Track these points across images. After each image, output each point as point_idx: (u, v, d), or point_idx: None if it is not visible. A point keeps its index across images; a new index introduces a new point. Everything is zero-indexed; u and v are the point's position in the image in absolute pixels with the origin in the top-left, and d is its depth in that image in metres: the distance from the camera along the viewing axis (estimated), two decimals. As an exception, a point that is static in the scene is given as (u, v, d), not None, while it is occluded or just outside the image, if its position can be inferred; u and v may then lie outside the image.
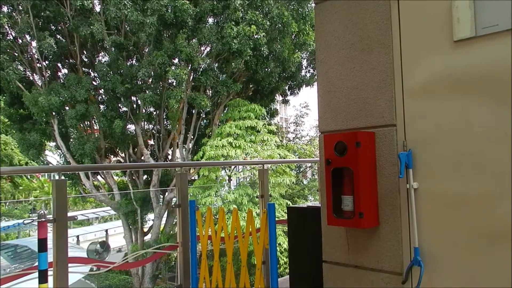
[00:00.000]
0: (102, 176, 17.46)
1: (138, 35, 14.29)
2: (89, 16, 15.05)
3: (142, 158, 16.60)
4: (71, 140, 15.78)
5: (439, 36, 1.86)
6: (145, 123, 17.39)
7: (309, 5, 16.05)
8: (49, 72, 16.61)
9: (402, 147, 1.98)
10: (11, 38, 15.79)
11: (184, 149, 17.63)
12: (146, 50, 15.82)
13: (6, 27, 15.25)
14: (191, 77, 16.20)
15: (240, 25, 14.28)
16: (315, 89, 2.47)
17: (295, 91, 19.79)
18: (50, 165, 15.97)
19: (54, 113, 15.58)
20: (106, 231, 29.07)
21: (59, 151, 17.51)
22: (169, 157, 18.21)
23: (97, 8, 15.48)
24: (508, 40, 1.66)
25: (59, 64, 17.13)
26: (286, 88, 19.55)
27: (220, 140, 15.03)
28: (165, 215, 17.70)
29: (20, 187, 30.19)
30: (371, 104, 2.11)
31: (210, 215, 3.21)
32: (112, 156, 18.31)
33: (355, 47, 2.19)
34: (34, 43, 15.41)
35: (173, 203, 16.44)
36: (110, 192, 17.36)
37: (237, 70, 15.80)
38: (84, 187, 17.34)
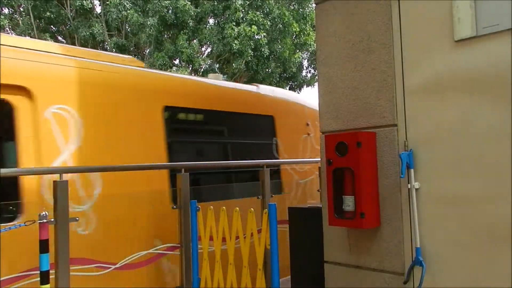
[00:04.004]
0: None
1: (139, 36, 14.30)
2: (89, 17, 15.07)
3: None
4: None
5: (440, 36, 1.86)
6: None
7: (310, 5, 16.05)
8: (50, 74, 16.63)
9: (403, 147, 1.97)
10: (12, 39, 15.81)
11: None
12: (147, 51, 15.84)
13: (7, 28, 15.27)
14: (192, 78, 16.19)
15: (240, 25, 14.29)
16: (316, 89, 2.47)
17: (296, 92, 19.80)
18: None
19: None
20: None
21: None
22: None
23: (98, 9, 15.51)
24: (508, 39, 1.66)
25: (60, 66, 17.15)
26: (287, 88, 19.56)
27: (221, 140, 14.99)
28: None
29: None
30: (372, 104, 2.11)
31: (211, 216, 3.20)
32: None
33: (356, 47, 2.18)
34: (35, 45, 15.42)
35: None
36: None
37: (238, 71, 15.79)
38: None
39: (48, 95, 3.23)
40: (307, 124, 5.60)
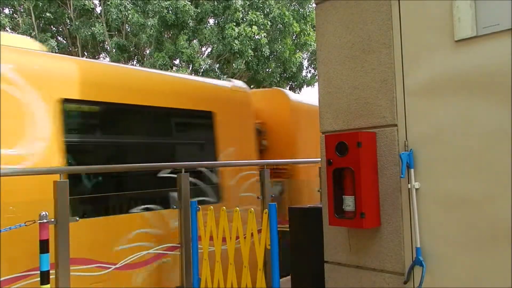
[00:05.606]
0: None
1: (139, 37, 14.31)
2: (90, 18, 15.09)
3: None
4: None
5: (440, 36, 1.86)
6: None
7: (310, 5, 16.05)
8: (50, 74, 16.61)
9: (403, 147, 1.97)
10: (13, 39, 15.82)
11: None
12: (147, 52, 15.84)
13: (8, 29, 15.28)
14: (192, 78, 16.18)
15: (241, 25, 14.29)
16: (316, 89, 2.47)
17: (296, 92, 19.79)
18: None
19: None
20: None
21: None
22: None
23: (98, 10, 15.52)
24: (508, 39, 1.66)
25: (60, 66, 17.14)
26: (287, 88, 19.56)
27: (221, 140, 14.97)
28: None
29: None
30: (372, 104, 2.11)
31: (211, 216, 3.21)
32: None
33: (356, 47, 2.18)
34: (35, 45, 15.43)
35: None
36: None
37: (238, 71, 15.79)
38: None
39: None
40: None
